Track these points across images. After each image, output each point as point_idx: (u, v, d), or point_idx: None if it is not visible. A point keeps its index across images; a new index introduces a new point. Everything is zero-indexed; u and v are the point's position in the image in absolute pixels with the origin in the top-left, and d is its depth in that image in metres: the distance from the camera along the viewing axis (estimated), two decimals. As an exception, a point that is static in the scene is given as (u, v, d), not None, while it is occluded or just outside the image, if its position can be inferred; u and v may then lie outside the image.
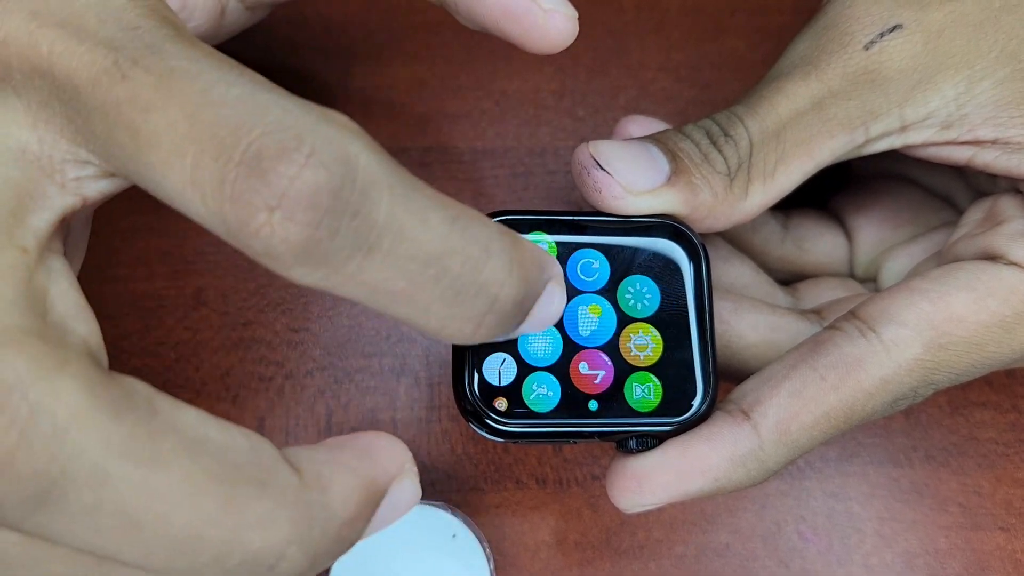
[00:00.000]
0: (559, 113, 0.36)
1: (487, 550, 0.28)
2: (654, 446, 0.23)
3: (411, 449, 0.31)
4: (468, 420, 0.23)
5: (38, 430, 0.14)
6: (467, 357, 0.23)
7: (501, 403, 0.23)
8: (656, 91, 0.36)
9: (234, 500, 0.15)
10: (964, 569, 0.31)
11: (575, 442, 0.24)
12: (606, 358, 0.23)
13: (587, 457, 0.32)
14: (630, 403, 0.23)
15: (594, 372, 0.23)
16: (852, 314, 0.24)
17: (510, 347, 0.23)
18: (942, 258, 0.26)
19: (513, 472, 0.31)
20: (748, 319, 0.26)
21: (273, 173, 0.15)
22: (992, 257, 0.24)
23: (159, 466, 0.15)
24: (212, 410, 0.31)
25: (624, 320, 0.24)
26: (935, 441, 0.33)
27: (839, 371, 0.23)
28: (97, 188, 0.17)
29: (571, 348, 0.23)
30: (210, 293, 0.33)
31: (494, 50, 0.36)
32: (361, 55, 0.36)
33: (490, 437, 0.23)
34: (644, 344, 0.24)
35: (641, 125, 0.28)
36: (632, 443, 0.23)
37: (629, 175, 0.23)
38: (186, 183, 0.15)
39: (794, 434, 0.23)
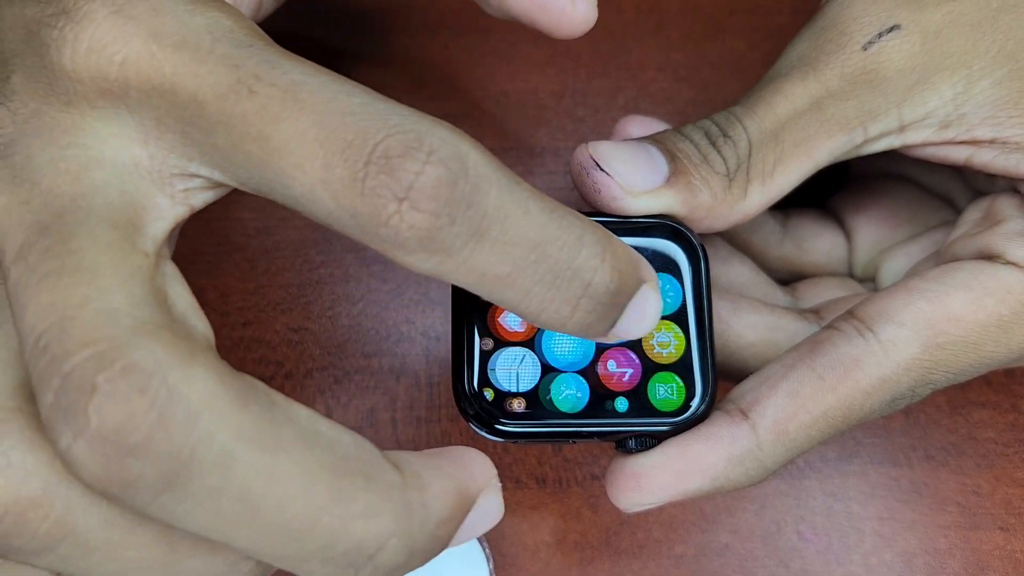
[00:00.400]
0: (558, 114, 0.36)
1: (486, 550, 0.28)
2: (653, 446, 0.23)
3: (411, 448, 0.31)
4: (467, 420, 0.23)
5: (175, 413, 0.15)
6: (466, 357, 0.23)
7: (516, 403, 0.23)
8: (655, 91, 0.36)
9: (344, 491, 0.16)
10: (963, 568, 0.31)
11: (574, 442, 0.24)
12: (633, 355, 0.24)
13: (587, 457, 0.32)
14: (653, 403, 0.23)
15: (622, 371, 0.24)
16: (850, 314, 0.24)
17: (527, 345, 0.23)
18: (940, 258, 0.26)
19: (513, 472, 0.32)
20: (747, 319, 0.26)
21: (401, 170, 0.17)
22: (990, 257, 0.24)
23: (281, 454, 0.16)
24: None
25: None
26: (934, 441, 0.33)
27: (837, 371, 0.23)
28: (203, 198, 0.19)
29: (598, 348, 0.23)
30: (210, 293, 0.33)
31: (494, 51, 0.36)
32: (360, 57, 0.36)
33: (490, 437, 0.23)
34: (667, 342, 0.24)
35: (640, 125, 0.28)
36: (631, 443, 0.23)
37: (628, 176, 0.23)
38: (316, 183, 0.17)
39: (792, 434, 0.23)
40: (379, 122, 0.17)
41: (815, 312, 0.27)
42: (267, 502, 0.16)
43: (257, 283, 0.33)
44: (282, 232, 0.34)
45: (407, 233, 0.17)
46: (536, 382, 0.23)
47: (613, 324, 0.19)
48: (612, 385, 0.23)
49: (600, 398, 0.23)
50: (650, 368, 0.24)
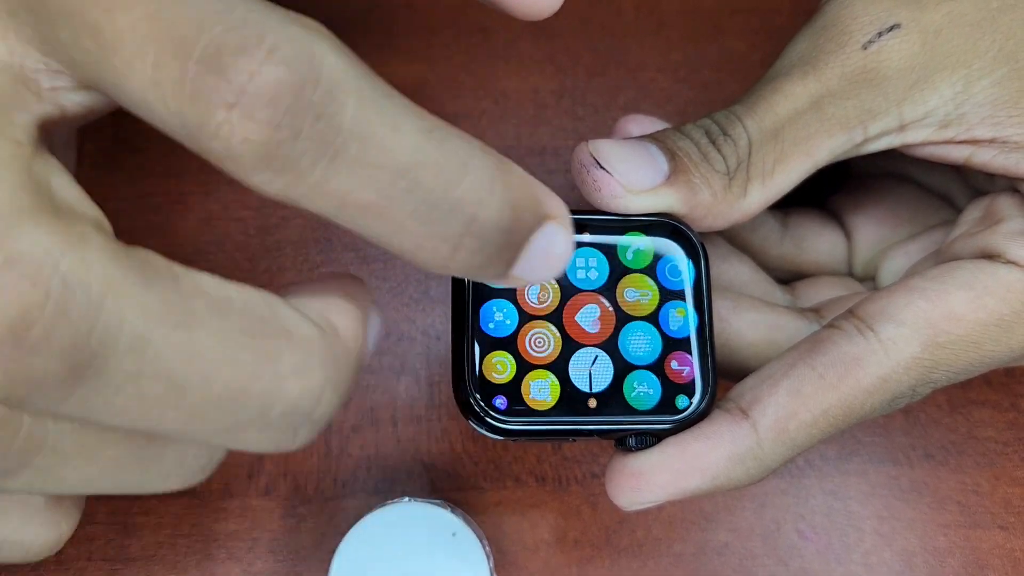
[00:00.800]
0: (559, 113, 0.36)
1: (487, 548, 0.28)
2: (653, 444, 0.23)
3: (411, 447, 0.31)
4: (467, 418, 0.23)
5: (74, 302, 0.14)
6: (467, 354, 0.23)
7: (500, 401, 0.23)
8: (655, 91, 0.36)
9: (269, 353, 0.16)
10: (963, 567, 0.31)
11: (574, 440, 0.24)
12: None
13: (586, 455, 0.32)
14: (629, 401, 0.23)
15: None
16: (850, 313, 0.24)
17: (511, 345, 0.23)
18: (940, 257, 0.26)
19: (512, 470, 0.32)
20: (747, 317, 0.26)
21: (232, 69, 0.14)
22: (990, 256, 0.24)
23: (196, 327, 0.15)
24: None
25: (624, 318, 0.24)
26: (934, 440, 0.33)
27: (838, 370, 0.23)
28: (75, 100, 0.17)
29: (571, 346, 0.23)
30: (211, 292, 0.33)
31: (494, 50, 0.36)
32: (361, 54, 0.36)
33: (489, 435, 0.23)
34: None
35: (640, 124, 0.28)
36: (631, 441, 0.23)
37: (628, 174, 0.23)
38: (147, 84, 0.15)
39: (793, 432, 0.23)
40: (218, 15, 0.15)
41: (815, 311, 0.27)
42: (192, 378, 0.15)
43: (258, 281, 0.33)
44: (283, 231, 0.34)
45: (240, 147, 0.15)
46: (513, 377, 0.23)
47: (510, 265, 0.17)
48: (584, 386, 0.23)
49: (577, 396, 0.23)
50: (625, 368, 0.23)
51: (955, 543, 0.32)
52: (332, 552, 0.27)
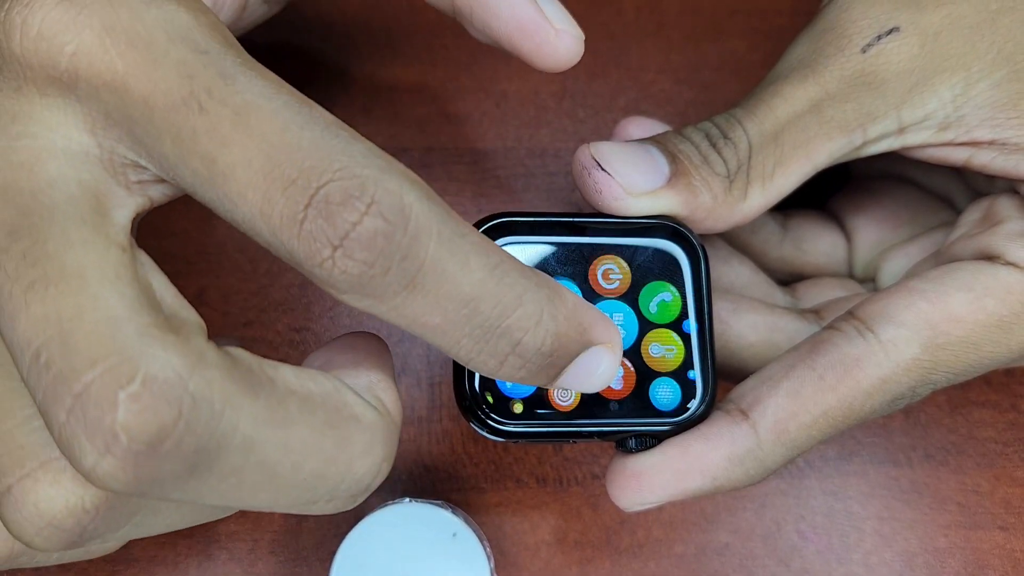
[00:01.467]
0: (559, 115, 0.36)
1: (487, 549, 0.28)
2: (653, 445, 0.23)
3: (412, 448, 0.32)
4: (468, 419, 0.23)
5: (200, 417, 0.16)
6: None
7: (515, 406, 0.23)
8: (656, 92, 0.36)
9: (344, 439, 0.18)
10: (963, 568, 0.31)
11: (575, 442, 0.24)
12: (627, 362, 0.24)
13: (587, 456, 0.32)
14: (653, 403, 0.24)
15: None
16: (850, 314, 0.25)
17: None
18: (940, 258, 0.26)
19: (513, 471, 0.32)
20: (747, 319, 0.26)
21: (339, 218, 0.17)
22: (990, 257, 0.24)
23: (291, 425, 0.17)
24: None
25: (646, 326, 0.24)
26: (934, 440, 0.33)
27: (837, 371, 0.23)
28: (159, 191, 0.19)
29: None
30: (212, 293, 0.33)
31: (495, 52, 0.36)
32: (363, 57, 0.36)
33: (490, 436, 0.23)
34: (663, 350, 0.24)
35: (641, 126, 0.28)
36: (631, 443, 0.23)
37: (629, 176, 0.23)
38: (256, 214, 0.17)
39: (792, 433, 0.23)
40: (326, 163, 0.17)
41: (815, 312, 0.28)
42: (284, 468, 0.17)
43: (259, 283, 0.33)
44: (284, 232, 0.34)
45: (339, 277, 0.17)
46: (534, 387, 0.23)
47: (553, 380, 0.20)
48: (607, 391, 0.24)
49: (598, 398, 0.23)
50: (647, 372, 0.24)
51: (955, 543, 0.32)
52: (333, 553, 0.27)
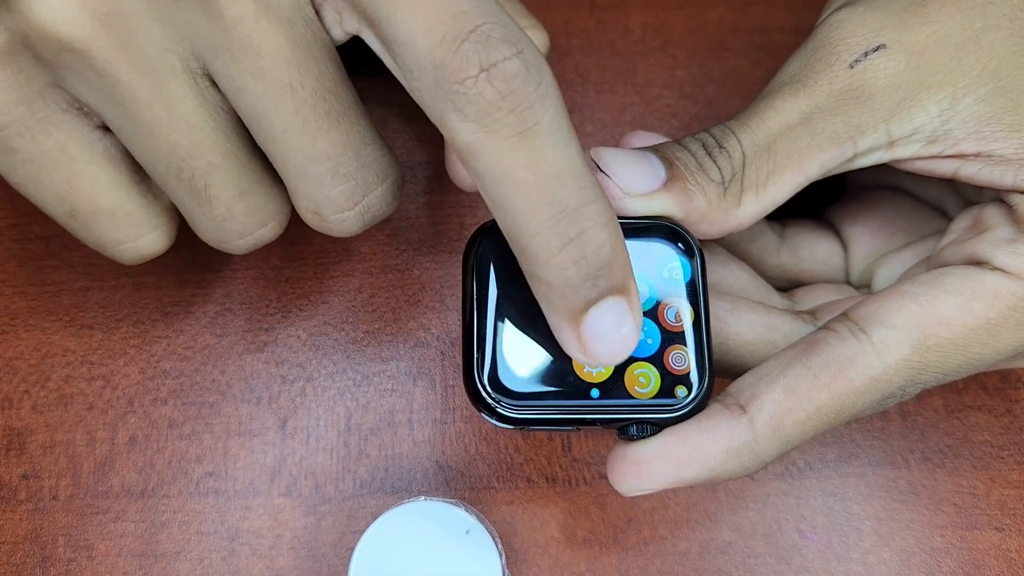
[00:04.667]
0: (568, 128, 0.36)
1: (499, 545, 0.28)
2: (654, 433, 0.24)
3: (427, 448, 0.32)
4: (478, 408, 0.24)
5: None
6: (476, 347, 0.24)
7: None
8: (661, 107, 0.37)
9: None
10: (959, 567, 0.32)
11: (579, 429, 0.25)
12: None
13: (595, 457, 0.33)
14: (630, 392, 0.24)
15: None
16: (844, 315, 0.25)
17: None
18: (931, 263, 0.27)
19: (524, 471, 0.32)
20: (744, 318, 0.27)
21: (495, 49, 0.20)
22: (978, 262, 0.25)
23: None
24: (236, 412, 0.33)
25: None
26: (931, 443, 0.33)
27: (831, 370, 0.24)
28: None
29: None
30: (235, 300, 0.34)
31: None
32: (380, 73, 0.37)
33: (499, 424, 0.24)
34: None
35: (644, 140, 0.29)
36: (633, 430, 0.24)
37: (627, 178, 0.24)
38: (421, 30, 0.20)
39: (787, 428, 0.24)
40: (492, 15, 0.20)
41: (811, 313, 0.28)
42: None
43: (280, 291, 0.34)
44: (304, 244, 0.35)
45: (474, 98, 0.20)
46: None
47: (585, 310, 0.21)
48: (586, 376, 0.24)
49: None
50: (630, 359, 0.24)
51: (952, 543, 0.32)
52: (351, 549, 0.28)
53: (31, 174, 0.25)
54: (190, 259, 0.34)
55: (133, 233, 0.26)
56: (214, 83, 0.24)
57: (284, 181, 0.25)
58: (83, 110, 0.24)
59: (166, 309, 0.34)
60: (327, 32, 0.23)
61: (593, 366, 0.24)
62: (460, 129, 0.20)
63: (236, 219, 0.26)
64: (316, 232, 0.35)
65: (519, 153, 0.20)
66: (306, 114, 0.23)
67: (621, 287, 0.22)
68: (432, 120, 0.21)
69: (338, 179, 0.24)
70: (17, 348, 0.33)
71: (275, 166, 0.24)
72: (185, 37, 0.23)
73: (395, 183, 0.26)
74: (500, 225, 0.22)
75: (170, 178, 0.25)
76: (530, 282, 0.22)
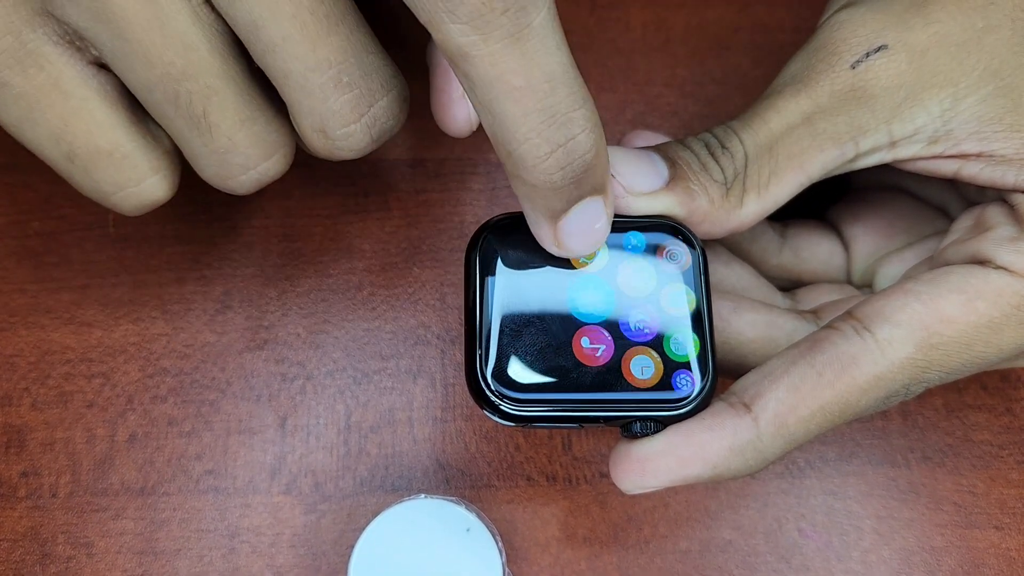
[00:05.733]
0: (569, 127, 0.37)
1: (499, 543, 0.28)
2: (658, 431, 0.24)
3: (427, 447, 0.32)
4: (481, 406, 0.24)
5: None
6: (479, 344, 0.24)
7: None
8: (662, 106, 0.37)
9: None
10: (959, 566, 0.32)
11: (582, 427, 0.25)
12: (607, 334, 0.24)
13: (595, 455, 0.33)
14: (631, 381, 0.24)
15: (595, 347, 0.24)
16: (848, 314, 0.25)
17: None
18: (933, 262, 0.27)
19: (524, 470, 0.32)
20: (747, 317, 0.27)
21: None
22: (981, 261, 0.25)
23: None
24: (236, 409, 0.33)
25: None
26: (931, 442, 0.33)
27: (835, 368, 0.24)
28: None
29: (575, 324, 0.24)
30: (235, 297, 0.34)
31: (507, 66, 0.37)
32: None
33: (501, 422, 0.24)
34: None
35: (645, 139, 0.29)
36: (636, 427, 0.24)
37: (630, 177, 0.24)
38: None
39: (791, 427, 0.24)
40: None
41: (813, 313, 0.28)
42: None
43: (280, 288, 0.34)
44: (304, 240, 0.35)
45: None
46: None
47: (566, 209, 0.22)
48: (588, 362, 0.24)
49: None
50: (625, 346, 0.24)
51: (951, 542, 0.32)
52: (351, 547, 0.28)
53: (24, 112, 0.24)
54: (190, 256, 0.34)
55: (134, 176, 0.25)
56: (209, 3, 0.23)
57: (286, 100, 0.24)
58: (75, 44, 0.23)
59: (166, 307, 0.34)
60: None
61: (561, 255, 0.24)
62: (451, 31, 0.20)
63: (239, 150, 0.25)
64: (317, 229, 0.35)
65: (511, 57, 0.20)
66: (304, 18, 0.22)
67: (600, 186, 0.22)
68: (422, 21, 0.20)
69: (341, 88, 0.23)
70: (16, 345, 0.33)
71: (275, 84, 0.24)
72: None
73: (400, 95, 0.25)
74: (486, 127, 0.21)
75: (167, 105, 0.24)
76: (512, 182, 0.22)
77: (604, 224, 0.23)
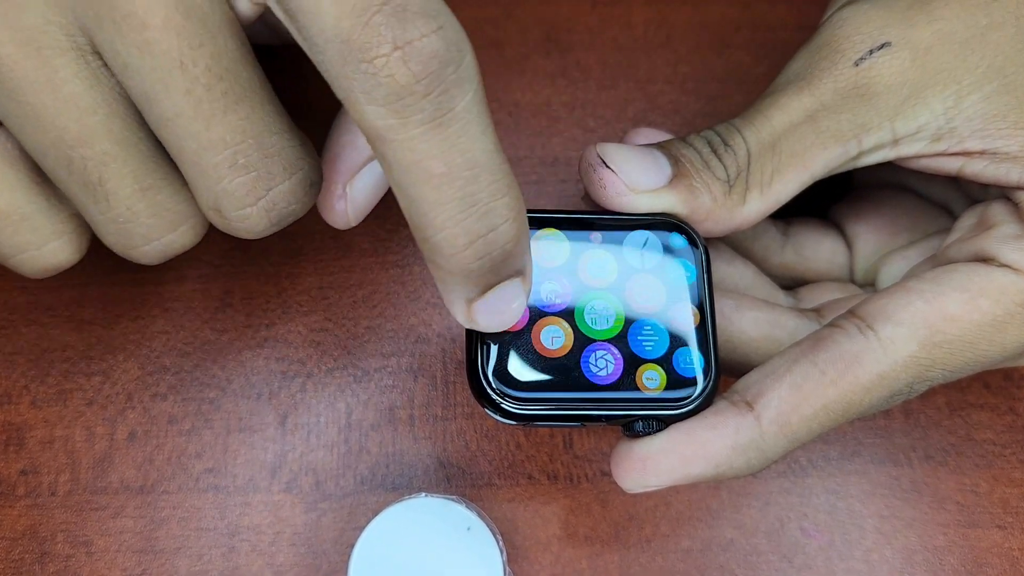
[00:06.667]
0: (570, 124, 0.37)
1: (500, 542, 0.28)
2: (660, 430, 0.24)
3: (428, 445, 0.32)
4: (482, 404, 0.24)
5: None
6: (480, 343, 0.24)
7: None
8: (664, 103, 0.37)
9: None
10: (961, 565, 0.32)
11: (584, 426, 0.25)
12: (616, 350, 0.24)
13: (596, 454, 0.33)
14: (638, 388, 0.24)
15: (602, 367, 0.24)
16: (851, 312, 0.25)
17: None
18: (937, 260, 0.27)
19: (525, 468, 0.32)
20: (749, 316, 0.27)
21: (411, 24, 0.18)
22: (984, 259, 0.25)
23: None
24: (236, 407, 0.33)
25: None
26: (934, 441, 0.33)
27: (838, 366, 0.24)
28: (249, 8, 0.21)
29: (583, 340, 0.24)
30: (235, 296, 0.34)
31: (507, 64, 0.37)
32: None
33: (503, 420, 0.24)
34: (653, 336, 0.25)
35: (648, 136, 0.29)
36: (638, 426, 0.24)
37: (633, 174, 0.24)
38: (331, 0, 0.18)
39: (794, 425, 0.24)
40: None
41: (816, 311, 0.28)
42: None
43: (280, 287, 0.34)
44: (304, 238, 0.35)
45: (384, 81, 0.18)
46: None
47: (481, 294, 0.21)
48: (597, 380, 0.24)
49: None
50: (635, 361, 0.24)
51: (954, 542, 0.32)
52: (351, 546, 0.27)
53: None
54: (190, 254, 0.34)
55: (34, 239, 0.24)
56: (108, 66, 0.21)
57: (183, 175, 0.23)
58: None
59: (166, 304, 0.34)
60: (230, 5, 0.21)
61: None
62: (367, 113, 0.18)
63: (139, 220, 0.23)
64: (316, 227, 0.35)
65: (432, 143, 0.18)
66: (199, 95, 0.20)
67: (520, 269, 0.22)
68: (338, 97, 0.19)
69: (237, 169, 0.22)
70: (16, 343, 0.33)
71: (171, 155, 0.22)
72: (68, 7, 0.20)
73: (306, 178, 0.23)
74: (403, 209, 0.20)
75: (60, 170, 0.22)
76: (428, 263, 0.22)
77: (520, 304, 0.22)
